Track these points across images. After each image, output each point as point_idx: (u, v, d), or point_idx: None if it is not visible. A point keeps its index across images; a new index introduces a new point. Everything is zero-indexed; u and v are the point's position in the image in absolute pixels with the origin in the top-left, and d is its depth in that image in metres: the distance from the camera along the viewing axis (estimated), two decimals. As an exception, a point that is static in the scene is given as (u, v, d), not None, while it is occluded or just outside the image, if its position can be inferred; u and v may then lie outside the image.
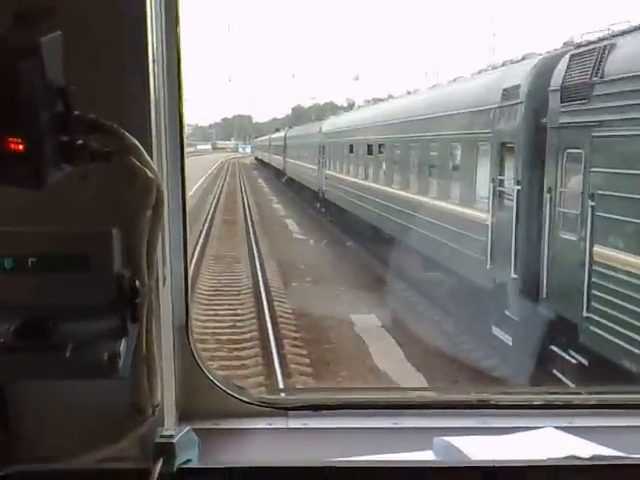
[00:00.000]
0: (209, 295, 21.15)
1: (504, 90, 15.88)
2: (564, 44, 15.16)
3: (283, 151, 61.47)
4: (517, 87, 15.28)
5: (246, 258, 27.28)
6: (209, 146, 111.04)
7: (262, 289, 21.81)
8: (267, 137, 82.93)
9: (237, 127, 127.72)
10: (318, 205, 40.77)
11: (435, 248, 19.68)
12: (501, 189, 15.99)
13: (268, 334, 17.36)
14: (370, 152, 29.76)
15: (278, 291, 22.20)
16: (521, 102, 14.99)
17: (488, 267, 15.94)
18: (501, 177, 16.04)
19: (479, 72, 20.88)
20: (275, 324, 18.31)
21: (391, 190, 25.69)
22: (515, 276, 14.81)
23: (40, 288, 2.11)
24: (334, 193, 36.44)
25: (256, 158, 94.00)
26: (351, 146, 33.70)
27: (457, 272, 17.98)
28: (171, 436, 2.37)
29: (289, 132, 61.83)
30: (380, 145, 28.18)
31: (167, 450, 2.34)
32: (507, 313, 14.97)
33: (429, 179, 21.81)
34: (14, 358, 2.07)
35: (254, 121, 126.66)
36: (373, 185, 28.48)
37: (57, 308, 2.10)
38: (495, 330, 15.39)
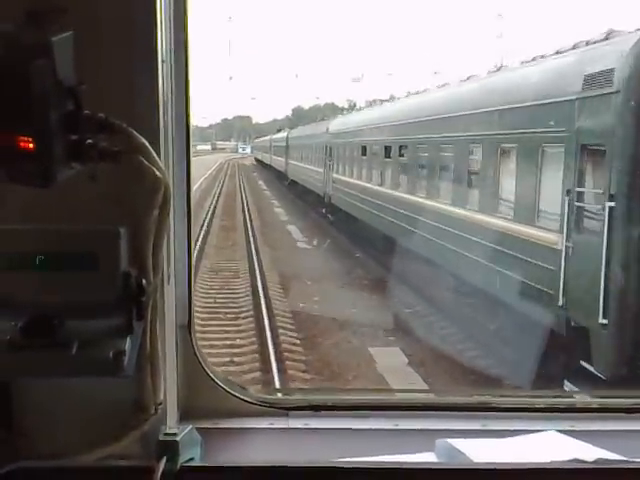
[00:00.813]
0: (203, 319, 17.57)
1: (587, 77, 12.38)
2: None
3: (285, 152, 58.44)
4: (609, 72, 11.83)
5: (246, 272, 24.10)
6: (209, 146, 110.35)
7: (264, 312, 18.65)
8: (268, 138, 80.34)
9: (237, 128, 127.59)
10: (323, 210, 37.24)
11: (478, 272, 16.12)
12: (581, 205, 12.50)
13: (273, 375, 14.56)
14: (388, 154, 26.25)
15: (283, 315, 19.03)
16: (617, 91, 11.54)
17: (560, 304, 12.46)
18: (581, 189, 12.52)
19: (533, 59, 17.36)
20: (280, 361, 15.41)
21: (416, 199, 22.17)
22: (604, 321, 11.31)
23: (47, 286, 2.11)
24: (342, 199, 32.93)
25: (256, 159, 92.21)
26: (364, 147, 30.23)
27: (509, 305, 14.45)
28: (174, 434, 2.36)
29: (292, 132, 58.72)
30: (401, 147, 24.67)
31: (170, 448, 2.34)
32: (589, 368, 11.56)
33: (468, 188, 18.19)
34: (20, 355, 2.07)
35: (254, 122, 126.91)
36: (392, 192, 24.96)
37: (64, 306, 2.10)
38: (568, 386, 11.85)
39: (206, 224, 33.30)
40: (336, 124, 38.43)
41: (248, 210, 42.20)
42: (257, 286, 21.42)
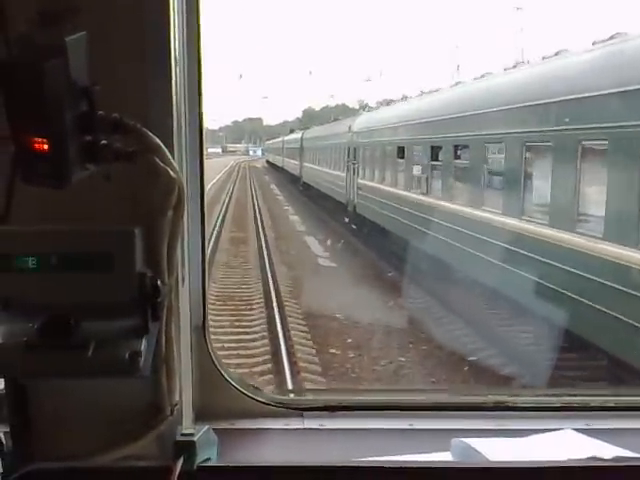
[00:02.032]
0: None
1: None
2: None
3: (299, 154, 54.13)
4: None
5: (261, 301, 19.65)
6: (219, 149, 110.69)
7: (286, 364, 14.40)
8: (280, 139, 76.25)
9: (248, 130, 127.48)
10: (347, 220, 32.66)
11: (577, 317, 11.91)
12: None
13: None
14: (436, 157, 21.57)
15: (311, 368, 14.60)
16: None
17: None
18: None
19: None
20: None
21: (481, 214, 17.60)
22: None
23: (63, 287, 2.12)
24: (371, 209, 28.05)
25: (267, 161, 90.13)
26: (400, 149, 25.41)
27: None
28: (191, 434, 2.37)
29: (307, 133, 54.15)
30: (457, 147, 19.94)
31: (188, 448, 2.34)
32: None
33: (559, 198, 13.92)
34: (36, 356, 2.08)
35: (265, 124, 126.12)
36: (445, 205, 20.18)
37: (79, 307, 2.11)
38: None
39: (214, 236, 28.95)
40: (362, 122, 33.16)
41: (260, 218, 37.86)
42: (275, 324, 17.00)
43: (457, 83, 24.71)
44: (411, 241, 21.16)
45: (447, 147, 20.62)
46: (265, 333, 16.63)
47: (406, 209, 23.11)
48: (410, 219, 22.51)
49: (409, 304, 18.92)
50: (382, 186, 27.33)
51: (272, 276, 22.27)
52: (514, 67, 19.74)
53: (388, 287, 21.04)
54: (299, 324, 17.43)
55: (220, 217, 36.48)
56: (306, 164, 50.19)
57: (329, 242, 30.15)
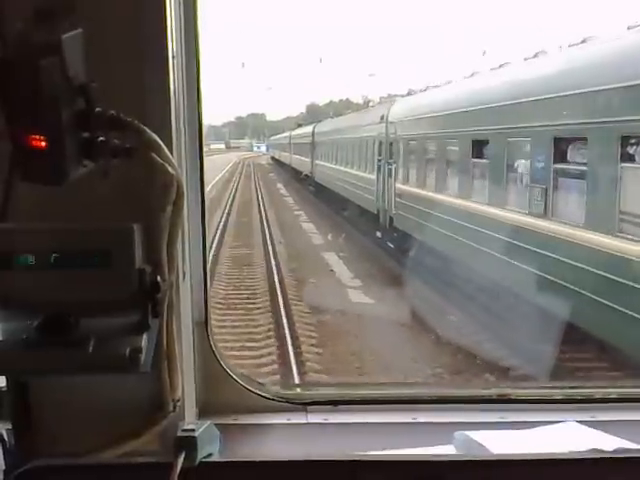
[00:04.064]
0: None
1: None
2: None
3: (310, 150, 47.39)
4: None
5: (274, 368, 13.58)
6: (222, 145, 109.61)
7: None
8: (286, 134, 69.96)
9: (251, 126, 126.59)
10: (379, 235, 25.90)
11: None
12: None
13: None
14: (563, 156, 13.90)
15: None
16: None
17: None
18: None
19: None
20: None
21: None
22: None
23: (62, 284, 2.11)
24: (423, 227, 20.50)
25: (272, 158, 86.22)
26: (479, 143, 17.67)
27: None
28: (193, 430, 2.35)
29: (320, 126, 47.35)
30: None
31: (189, 444, 2.32)
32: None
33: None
34: (37, 354, 2.09)
35: (268, 119, 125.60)
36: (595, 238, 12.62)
37: (79, 304, 2.11)
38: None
39: (211, 254, 22.40)
40: (402, 109, 25.55)
41: (268, 228, 31.26)
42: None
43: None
44: (478, 268, 15.42)
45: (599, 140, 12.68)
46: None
47: (496, 235, 15.83)
48: (504, 251, 15.31)
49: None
50: (442, 197, 20.00)
51: (288, 325, 15.63)
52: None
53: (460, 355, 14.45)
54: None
55: (221, 225, 30.00)
56: (319, 162, 43.93)
57: (356, 263, 23.54)
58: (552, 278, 13.29)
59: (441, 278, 18.08)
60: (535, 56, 16.09)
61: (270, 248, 26.34)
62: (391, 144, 25.28)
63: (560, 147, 13.64)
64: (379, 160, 26.60)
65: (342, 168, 34.98)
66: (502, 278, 14.93)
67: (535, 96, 14.53)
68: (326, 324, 16.62)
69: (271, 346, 14.89)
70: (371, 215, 27.82)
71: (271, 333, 15.80)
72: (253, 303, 18.59)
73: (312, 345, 14.99)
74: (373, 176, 27.68)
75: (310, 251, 27.02)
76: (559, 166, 13.80)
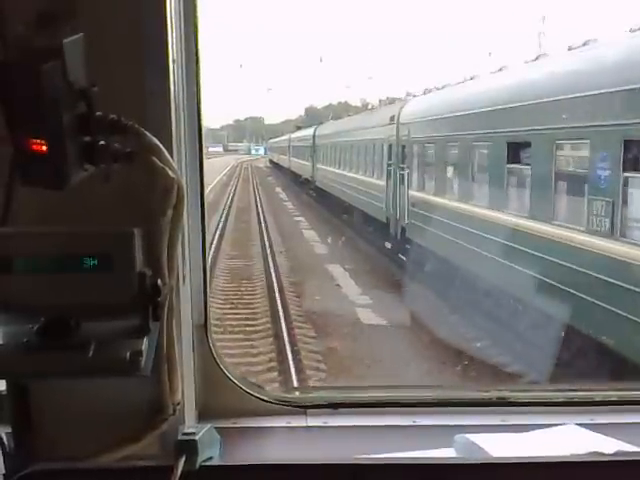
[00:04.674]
0: None
1: None
2: None
3: (311, 154, 45.84)
4: None
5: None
6: (220, 148, 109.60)
7: None
8: (286, 137, 68.93)
9: (249, 129, 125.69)
10: (389, 246, 23.80)
11: None
12: None
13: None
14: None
15: None
16: None
17: None
18: None
19: None
20: None
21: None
22: None
23: (63, 288, 2.11)
24: (441, 239, 18.33)
25: (271, 161, 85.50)
26: (516, 146, 15.16)
27: None
28: (193, 433, 2.35)
29: (321, 128, 45.53)
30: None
31: (190, 447, 2.32)
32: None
33: None
34: (37, 357, 2.08)
35: (266, 122, 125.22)
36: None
37: (80, 307, 2.11)
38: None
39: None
40: (416, 109, 23.17)
41: (268, 237, 29.23)
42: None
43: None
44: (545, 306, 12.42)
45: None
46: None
47: (537, 253, 13.60)
48: (554, 275, 12.86)
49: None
50: (473, 208, 17.33)
51: (295, 361, 13.53)
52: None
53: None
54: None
55: (217, 236, 27.99)
56: (320, 166, 42.02)
57: (364, 276, 21.46)
58: (623, 313, 11.08)
59: (469, 300, 15.92)
60: (584, 44, 13.79)
61: (270, 258, 24.35)
62: (403, 147, 23.10)
63: (632, 151, 11.16)
64: (389, 165, 24.45)
65: (346, 173, 32.98)
66: (552, 311, 12.64)
67: (597, 89, 12.02)
68: (335, 352, 14.71)
69: (274, 381, 12.81)
70: (379, 224, 25.72)
71: (273, 364, 13.75)
72: (252, 325, 16.55)
73: (320, 380, 12.95)
74: (382, 182, 25.57)
75: (313, 262, 25.03)
76: (631, 175, 11.30)
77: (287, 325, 16.24)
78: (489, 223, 15.70)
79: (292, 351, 14.43)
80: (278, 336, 15.35)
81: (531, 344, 13.24)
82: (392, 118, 24.56)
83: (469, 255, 16.02)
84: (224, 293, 19.46)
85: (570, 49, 14.50)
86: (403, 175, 22.57)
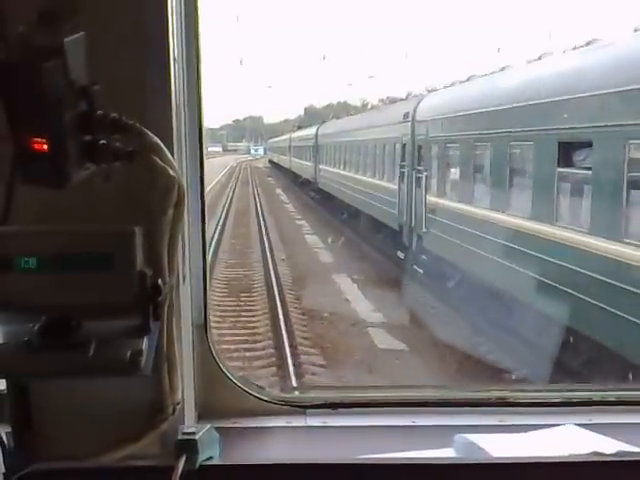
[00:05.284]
0: None
1: None
2: None
3: (314, 154, 43.53)
4: None
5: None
6: (219, 148, 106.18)
7: None
8: (286, 137, 66.05)
9: (249, 128, 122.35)
10: (402, 256, 21.66)
11: None
12: None
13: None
14: None
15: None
16: None
17: None
18: None
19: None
20: None
21: None
22: None
23: (63, 287, 2.11)
24: (466, 250, 16.03)
25: (270, 161, 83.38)
26: (568, 147, 12.66)
27: None
28: (193, 433, 2.35)
29: (324, 127, 43.23)
30: None
31: (190, 447, 2.32)
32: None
33: None
34: (38, 357, 2.08)
35: (266, 122, 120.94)
36: None
37: (80, 307, 2.11)
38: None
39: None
40: (436, 105, 20.70)
41: (269, 243, 27.17)
42: None
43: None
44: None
45: None
46: None
47: (604, 279, 11.13)
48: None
49: None
50: (510, 218, 14.72)
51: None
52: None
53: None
54: None
55: (214, 241, 25.98)
56: (323, 167, 39.51)
57: (378, 294, 19.32)
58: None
59: (503, 325, 13.76)
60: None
61: (271, 267, 22.32)
62: (419, 147, 20.89)
63: None
64: (402, 166, 22.25)
65: (352, 174, 30.86)
66: (612, 345, 10.47)
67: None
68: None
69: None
70: (389, 231, 23.60)
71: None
72: (252, 350, 14.48)
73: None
74: (393, 185, 23.39)
75: (317, 271, 23.04)
76: None
77: (292, 351, 14.21)
78: (532, 237, 13.41)
79: (299, 384, 12.42)
80: (283, 367, 13.31)
81: (580, 380, 11.22)
82: (406, 115, 22.37)
83: (504, 274, 13.80)
84: (221, 309, 17.35)
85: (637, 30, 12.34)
86: (420, 178, 20.24)
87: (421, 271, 19.40)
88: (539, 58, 15.91)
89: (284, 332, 15.31)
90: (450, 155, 18.62)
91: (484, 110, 16.21)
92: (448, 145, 18.71)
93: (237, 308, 17.75)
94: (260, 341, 15.20)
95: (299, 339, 15.20)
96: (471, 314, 15.12)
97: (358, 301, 19.25)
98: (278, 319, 16.39)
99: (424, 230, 19.40)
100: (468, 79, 19.99)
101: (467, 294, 15.27)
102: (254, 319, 16.88)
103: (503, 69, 17.88)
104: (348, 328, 16.52)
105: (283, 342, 14.71)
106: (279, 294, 18.70)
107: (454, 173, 18.33)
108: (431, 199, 19.30)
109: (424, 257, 19.33)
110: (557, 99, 12.78)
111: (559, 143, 12.69)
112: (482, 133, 16.24)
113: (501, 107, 15.31)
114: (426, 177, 19.74)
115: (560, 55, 15.21)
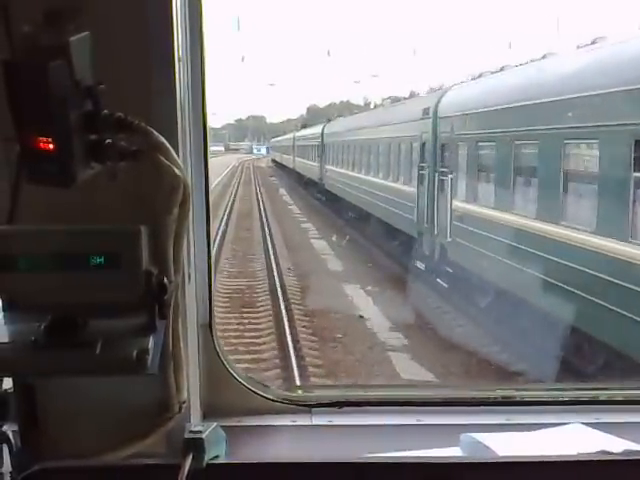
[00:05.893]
0: None
1: None
2: None
3: (319, 154, 41.77)
4: None
5: None
6: (222, 147, 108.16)
7: None
8: (289, 136, 64.91)
9: (251, 128, 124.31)
10: (421, 266, 19.62)
11: None
12: None
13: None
14: None
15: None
16: None
17: None
18: None
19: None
20: None
21: None
22: None
23: (70, 286, 2.11)
24: (504, 265, 13.83)
25: (273, 161, 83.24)
26: None
27: None
28: (200, 432, 2.35)
29: (330, 126, 41.39)
30: None
31: (196, 445, 2.32)
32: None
33: None
34: (44, 355, 2.09)
35: (268, 121, 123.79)
36: None
37: (87, 305, 2.11)
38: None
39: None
40: (464, 98, 18.42)
41: (274, 250, 25.29)
42: None
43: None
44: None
45: None
46: None
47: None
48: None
49: None
50: (568, 232, 12.29)
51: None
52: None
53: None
54: None
55: (215, 246, 23.93)
56: (330, 167, 37.76)
57: (395, 309, 17.29)
58: None
59: (545, 349, 11.72)
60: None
61: (277, 277, 20.41)
62: (443, 146, 18.82)
63: None
64: (422, 168, 20.20)
65: (362, 176, 28.87)
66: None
67: None
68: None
69: None
70: (406, 238, 21.60)
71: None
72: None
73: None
74: (410, 188, 21.33)
75: (327, 282, 21.09)
76: None
77: (302, 381, 12.27)
78: (592, 253, 11.41)
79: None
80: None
81: None
82: (426, 111, 20.32)
83: (555, 298, 11.69)
84: (223, 328, 15.36)
85: None
86: (444, 181, 18.13)
87: (445, 285, 17.33)
88: (592, 42, 13.76)
89: (293, 359, 13.39)
90: (483, 155, 16.41)
91: (527, 103, 14.02)
92: (480, 144, 16.52)
93: (239, 327, 15.87)
94: (265, 367, 13.23)
95: (311, 367, 13.31)
96: (506, 336, 13.07)
97: (374, 317, 17.24)
98: (286, 340, 14.49)
99: (449, 239, 17.32)
100: (502, 69, 17.85)
101: (509, 314, 13.21)
102: (257, 340, 14.94)
103: (544, 57, 15.73)
104: (365, 352, 14.55)
105: (292, 370, 12.79)
106: (286, 310, 16.80)
107: (488, 176, 16.16)
108: (458, 205, 17.19)
109: (449, 269, 17.26)
110: (635, 87, 10.63)
111: (636, 142, 10.49)
112: (524, 130, 13.98)
113: (550, 99, 13.12)
114: (451, 180, 17.61)
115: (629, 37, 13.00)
